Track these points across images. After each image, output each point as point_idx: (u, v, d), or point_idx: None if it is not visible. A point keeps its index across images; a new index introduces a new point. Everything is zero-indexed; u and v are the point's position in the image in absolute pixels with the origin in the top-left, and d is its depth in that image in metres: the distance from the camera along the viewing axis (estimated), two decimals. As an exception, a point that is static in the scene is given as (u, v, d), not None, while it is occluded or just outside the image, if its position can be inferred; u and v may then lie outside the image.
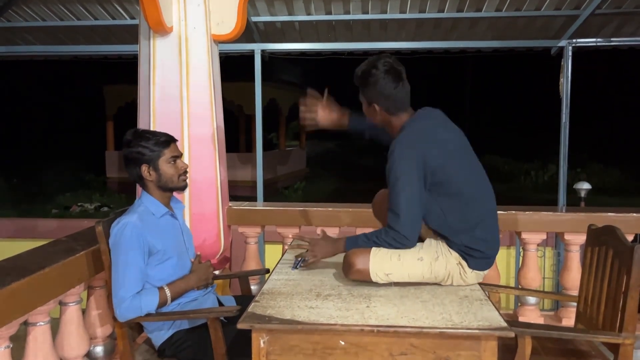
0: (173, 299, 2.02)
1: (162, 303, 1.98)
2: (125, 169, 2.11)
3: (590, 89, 18.11)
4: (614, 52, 6.07)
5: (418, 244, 1.95)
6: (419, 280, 1.92)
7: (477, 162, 2.02)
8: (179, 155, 2.13)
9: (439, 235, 1.96)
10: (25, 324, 2.00)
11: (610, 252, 1.99)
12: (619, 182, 16.75)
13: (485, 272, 1.97)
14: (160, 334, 2.07)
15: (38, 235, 6.03)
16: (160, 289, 2.00)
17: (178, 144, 2.18)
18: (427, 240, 1.97)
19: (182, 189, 2.15)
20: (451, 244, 1.93)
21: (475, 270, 1.93)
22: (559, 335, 1.93)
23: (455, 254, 1.92)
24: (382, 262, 1.88)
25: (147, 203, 2.09)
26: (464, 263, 1.92)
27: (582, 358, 2.00)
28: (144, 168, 2.06)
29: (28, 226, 6.93)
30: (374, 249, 1.90)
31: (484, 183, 2.01)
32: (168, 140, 2.10)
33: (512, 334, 1.53)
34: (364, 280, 1.90)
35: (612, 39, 5.49)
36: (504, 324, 1.54)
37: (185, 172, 2.14)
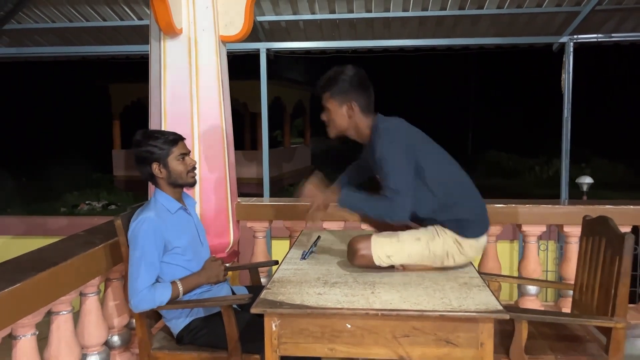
0: (185, 294, 2.10)
1: (175, 297, 2.06)
2: (137, 168, 2.19)
3: (593, 84, 18.13)
4: (615, 47, 6.11)
5: (415, 228, 2.07)
6: (420, 261, 2.02)
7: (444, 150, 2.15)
8: (187, 153, 2.21)
9: (432, 222, 2.06)
10: (49, 313, 2.11)
11: (604, 241, 2.08)
12: (623, 177, 16.77)
13: (484, 240, 2.08)
14: (178, 322, 2.17)
15: (49, 232, 6.15)
16: (173, 283, 2.08)
17: (188, 142, 2.27)
18: (423, 227, 2.08)
19: (192, 184, 2.24)
20: (445, 223, 2.03)
21: (472, 242, 2.03)
22: (554, 320, 2.02)
23: (450, 232, 2.02)
24: (382, 245, 1.99)
25: (161, 200, 2.18)
26: (460, 239, 2.02)
27: (577, 342, 2.09)
28: (155, 166, 2.15)
29: (39, 224, 7.03)
30: (373, 235, 2.02)
31: (456, 163, 2.14)
32: (176, 139, 2.18)
33: (507, 316, 1.62)
34: (369, 265, 2.01)
35: (613, 35, 5.54)
36: (500, 307, 1.64)
37: (194, 168, 2.22)
